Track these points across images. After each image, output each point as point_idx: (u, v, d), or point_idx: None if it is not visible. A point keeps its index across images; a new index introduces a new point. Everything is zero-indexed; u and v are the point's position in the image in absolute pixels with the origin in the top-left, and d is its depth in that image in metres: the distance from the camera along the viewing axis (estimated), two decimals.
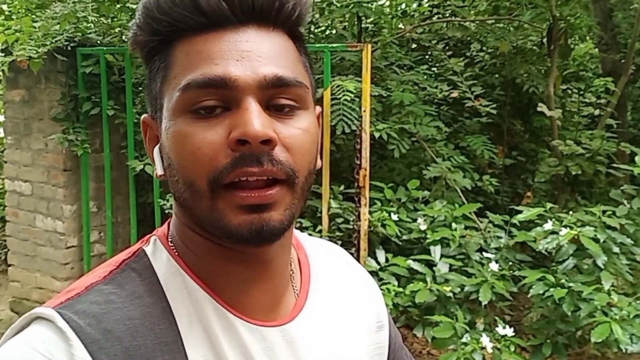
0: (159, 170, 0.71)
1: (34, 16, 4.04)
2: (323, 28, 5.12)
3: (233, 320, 0.70)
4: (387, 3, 5.30)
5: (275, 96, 0.67)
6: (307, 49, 0.75)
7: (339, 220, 3.53)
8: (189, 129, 0.65)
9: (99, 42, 4.14)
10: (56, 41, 3.81)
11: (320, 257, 0.87)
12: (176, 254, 0.73)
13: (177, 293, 0.69)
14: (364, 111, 3.25)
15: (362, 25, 4.63)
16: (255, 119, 0.63)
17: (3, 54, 4.04)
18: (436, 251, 3.23)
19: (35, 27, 3.84)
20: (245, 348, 0.70)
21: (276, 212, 0.66)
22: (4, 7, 5.02)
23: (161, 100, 0.69)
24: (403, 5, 5.31)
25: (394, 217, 3.43)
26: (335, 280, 0.86)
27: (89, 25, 4.19)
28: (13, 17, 4.80)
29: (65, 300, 0.66)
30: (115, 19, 4.50)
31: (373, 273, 3.18)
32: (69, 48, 3.91)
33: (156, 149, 0.72)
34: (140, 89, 4.29)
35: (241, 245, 0.68)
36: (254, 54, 0.66)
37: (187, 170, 0.66)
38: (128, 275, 0.70)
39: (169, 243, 0.74)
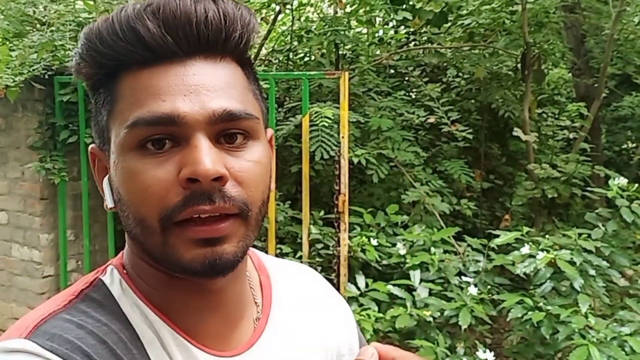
0: (109, 203, 0.70)
1: (11, 45, 4.03)
2: (301, 55, 5.17)
3: (194, 351, 0.69)
4: (364, 30, 5.37)
5: (225, 129, 0.65)
6: (256, 74, 0.74)
7: (319, 246, 3.53)
8: (138, 165, 0.64)
9: None
10: (33, 70, 3.79)
11: (284, 278, 0.85)
12: (132, 284, 0.72)
13: (140, 322, 0.69)
14: (342, 137, 3.27)
15: (340, 53, 4.68)
16: (206, 157, 0.62)
17: None
18: (416, 276, 3.23)
19: (12, 56, 3.82)
20: None
21: (229, 245, 0.65)
22: None
23: (108, 134, 0.68)
24: (380, 33, 5.39)
25: (374, 242, 3.44)
26: (300, 301, 0.84)
27: (66, 53, 4.18)
28: None
29: (32, 329, 0.64)
30: None
31: (353, 299, 3.18)
32: (47, 76, 3.89)
33: (105, 181, 0.70)
34: None
35: (195, 278, 0.67)
36: (201, 87, 0.64)
37: (138, 208, 0.65)
38: (89, 304, 0.68)
39: (125, 273, 0.73)
